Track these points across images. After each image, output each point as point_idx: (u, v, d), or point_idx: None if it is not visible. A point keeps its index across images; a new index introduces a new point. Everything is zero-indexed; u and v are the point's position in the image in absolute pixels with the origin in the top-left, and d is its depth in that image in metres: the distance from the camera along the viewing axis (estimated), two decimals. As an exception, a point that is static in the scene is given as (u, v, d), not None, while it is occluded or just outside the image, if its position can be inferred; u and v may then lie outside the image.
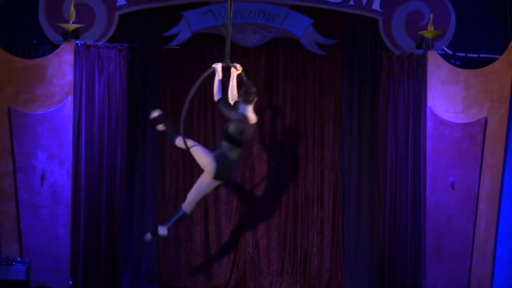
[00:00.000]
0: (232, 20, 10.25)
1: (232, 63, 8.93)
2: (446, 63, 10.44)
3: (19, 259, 9.71)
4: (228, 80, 8.99)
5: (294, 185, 10.96)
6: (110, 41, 10.46)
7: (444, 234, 10.26)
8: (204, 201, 10.86)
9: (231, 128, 8.76)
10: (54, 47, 10.33)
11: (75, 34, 10.23)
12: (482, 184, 10.18)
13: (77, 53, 10.19)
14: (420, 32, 10.49)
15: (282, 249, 10.91)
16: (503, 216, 9.97)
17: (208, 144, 10.68)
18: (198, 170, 10.78)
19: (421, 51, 10.49)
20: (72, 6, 10.16)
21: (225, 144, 8.86)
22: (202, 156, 8.96)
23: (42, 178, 10.02)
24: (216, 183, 9.03)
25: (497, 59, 10.25)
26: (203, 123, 10.92)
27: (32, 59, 10.25)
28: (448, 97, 10.36)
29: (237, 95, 8.88)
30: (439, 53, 10.47)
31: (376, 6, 10.63)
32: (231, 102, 8.92)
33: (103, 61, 10.35)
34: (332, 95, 10.96)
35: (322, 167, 10.95)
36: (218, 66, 8.84)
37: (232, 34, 10.29)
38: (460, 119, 10.33)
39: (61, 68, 10.14)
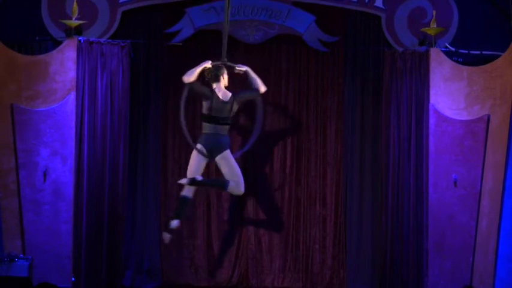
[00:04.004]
0: (235, 16, 10.33)
1: (235, 63, 9.01)
2: (449, 60, 10.43)
3: (21, 255, 9.73)
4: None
5: (297, 182, 10.96)
6: (112, 37, 10.46)
7: (446, 231, 10.26)
8: (206, 198, 10.90)
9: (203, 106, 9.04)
10: (56, 43, 10.33)
11: (78, 30, 10.24)
12: (485, 181, 10.18)
13: (79, 50, 10.19)
14: (423, 29, 10.48)
15: (284, 246, 10.91)
16: (506, 214, 9.97)
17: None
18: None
19: (423, 48, 10.48)
20: (74, 2, 10.16)
21: (203, 124, 9.09)
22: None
23: (45, 174, 10.03)
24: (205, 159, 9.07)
25: (500, 56, 10.24)
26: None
27: (35, 55, 10.25)
28: (450, 94, 10.36)
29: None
30: (441, 50, 10.46)
31: (378, 3, 10.63)
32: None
33: (106, 57, 10.34)
34: (335, 92, 10.96)
35: (324, 164, 10.95)
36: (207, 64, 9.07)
37: (235, 31, 10.39)
38: (463, 116, 10.32)
39: (64, 64, 10.14)
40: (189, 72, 8.96)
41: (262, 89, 9.14)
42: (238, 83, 9.60)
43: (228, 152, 9.04)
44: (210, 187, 10.32)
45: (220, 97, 8.98)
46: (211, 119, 8.99)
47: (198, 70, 8.99)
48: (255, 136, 9.11)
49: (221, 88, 9.04)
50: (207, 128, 9.03)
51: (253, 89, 9.16)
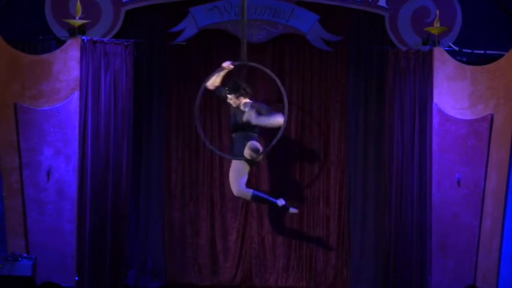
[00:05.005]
0: (239, 16, 10.32)
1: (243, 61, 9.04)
2: (452, 59, 10.42)
3: (25, 255, 9.73)
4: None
5: (300, 182, 10.95)
6: (116, 36, 10.45)
7: (450, 231, 10.26)
8: (209, 197, 10.90)
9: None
10: (60, 42, 10.33)
11: (81, 30, 10.23)
12: (488, 181, 10.18)
13: (83, 49, 10.18)
14: (426, 28, 10.48)
15: (288, 246, 10.90)
16: (509, 213, 9.99)
17: (214, 142, 10.72)
18: (204, 166, 10.88)
19: (427, 48, 10.48)
20: (78, 2, 10.16)
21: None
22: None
23: (48, 174, 10.03)
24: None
25: (503, 55, 10.26)
26: (208, 121, 10.92)
27: (38, 54, 10.24)
28: (454, 93, 10.35)
29: None
30: (445, 50, 10.46)
31: (382, 2, 10.63)
32: None
33: (109, 57, 10.34)
34: (338, 92, 10.96)
35: (328, 163, 10.95)
36: (227, 65, 9.07)
37: (238, 30, 10.39)
38: (466, 115, 10.32)
39: (67, 63, 10.14)
40: (211, 79, 9.25)
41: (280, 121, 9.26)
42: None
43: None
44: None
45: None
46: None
47: (219, 75, 9.24)
48: (278, 136, 9.15)
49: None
50: None
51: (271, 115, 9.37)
